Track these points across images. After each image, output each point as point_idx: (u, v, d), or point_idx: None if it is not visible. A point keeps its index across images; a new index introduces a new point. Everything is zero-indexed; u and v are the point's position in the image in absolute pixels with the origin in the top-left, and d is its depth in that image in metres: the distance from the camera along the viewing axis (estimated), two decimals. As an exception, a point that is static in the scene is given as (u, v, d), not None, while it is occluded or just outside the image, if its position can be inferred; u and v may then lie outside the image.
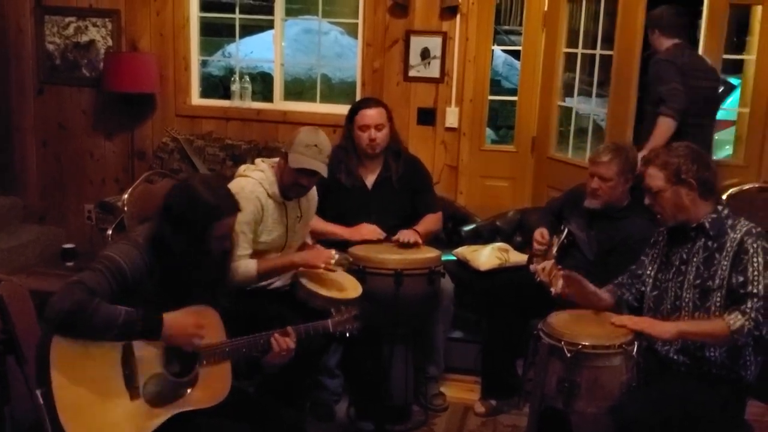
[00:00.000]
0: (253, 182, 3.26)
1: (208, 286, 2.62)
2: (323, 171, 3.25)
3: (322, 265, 3.24)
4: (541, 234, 3.78)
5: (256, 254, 3.29)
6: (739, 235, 2.73)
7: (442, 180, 5.04)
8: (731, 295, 2.70)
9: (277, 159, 3.40)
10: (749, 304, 2.62)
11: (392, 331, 3.56)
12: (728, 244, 2.74)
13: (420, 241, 3.69)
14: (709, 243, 2.79)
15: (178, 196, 2.58)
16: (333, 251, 3.31)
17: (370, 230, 3.77)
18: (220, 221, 2.54)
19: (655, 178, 2.80)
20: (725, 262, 2.73)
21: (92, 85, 5.46)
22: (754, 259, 2.67)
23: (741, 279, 2.67)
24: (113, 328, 2.35)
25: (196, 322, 2.49)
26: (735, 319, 2.62)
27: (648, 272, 3.02)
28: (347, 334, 2.86)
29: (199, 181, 2.62)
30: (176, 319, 2.46)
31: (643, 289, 3.04)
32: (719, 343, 2.71)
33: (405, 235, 3.68)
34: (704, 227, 2.79)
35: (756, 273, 2.65)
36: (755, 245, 2.68)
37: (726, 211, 2.82)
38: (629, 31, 4.32)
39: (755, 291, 2.63)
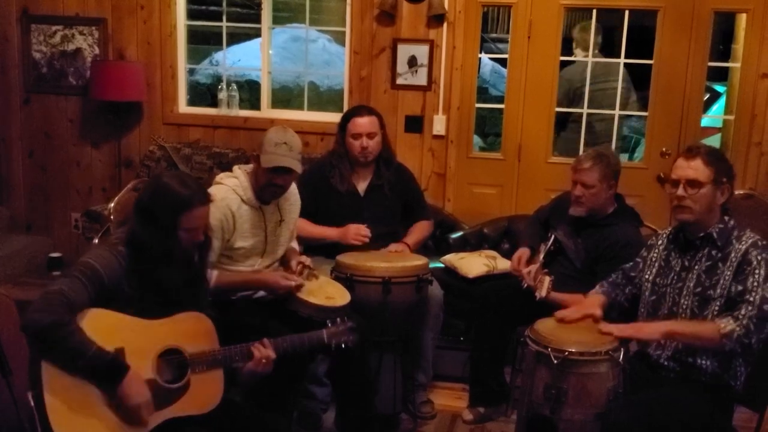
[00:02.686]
0: (225, 189, 3.25)
1: (186, 286, 2.61)
2: (297, 167, 3.23)
3: (284, 285, 3.22)
4: (518, 259, 3.77)
5: (237, 259, 3.28)
6: (744, 247, 2.74)
7: (430, 187, 5.04)
8: (728, 303, 2.71)
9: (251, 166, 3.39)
10: (743, 311, 2.63)
11: (380, 339, 3.56)
12: (732, 255, 2.75)
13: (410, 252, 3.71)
14: (714, 252, 2.79)
15: (147, 192, 2.61)
16: (298, 278, 3.26)
17: (357, 229, 3.77)
18: (187, 212, 2.52)
19: (701, 171, 2.76)
20: (728, 272, 2.74)
21: (79, 94, 5.44)
22: (756, 271, 2.68)
23: (740, 288, 2.68)
24: (81, 358, 2.33)
25: (141, 403, 2.40)
26: (726, 324, 2.63)
27: (646, 276, 3.02)
28: (343, 346, 2.86)
29: (169, 174, 2.63)
30: (138, 384, 2.40)
31: (635, 291, 3.05)
32: (707, 345, 2.71)
33: (394, 248, 3.72)
34: (712, 237, 2.80)
35: (756, 284, 2.66)
36: (759, 257, 2.69)
37: (732, 222, 2.83)
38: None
39: (751, 299, 2.64)
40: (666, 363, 2.83)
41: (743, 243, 2.76)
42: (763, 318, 2.63)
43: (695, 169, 2.78)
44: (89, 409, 2.38)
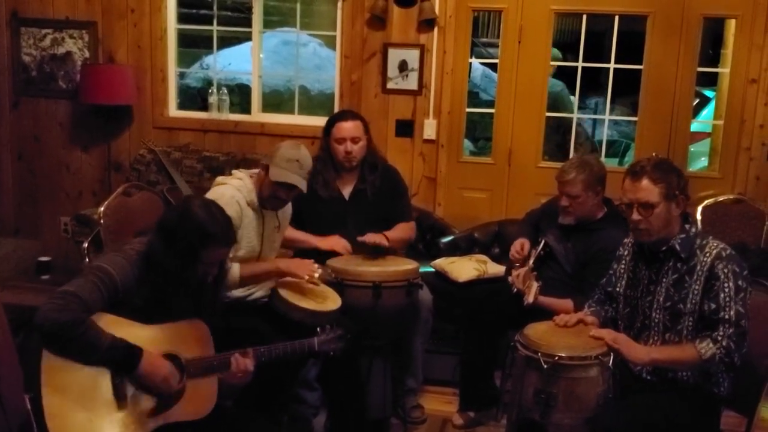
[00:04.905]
0: (232, 188, 3.27)
1: (195, 306, 2.60)
2: (303, 186, 3.26)
3: (306, 276, 3.25)
4: (521, 245, 3.79)
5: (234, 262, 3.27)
6: (709, 259, 2.70)
7: (421, 192, 5.05)
8: (702, 321, 2.69)
9: (255, 170, 3.40)
10: (721, 331, 2.62)
11: (371, 344, 3.55)
12: (698, 268, 2.72)
13: (386, 242, 3.70)
14: (679, 265, 2.77)
15: (175, 214, 2.58)
16: (316, 264, 3.31)
17: (339, 243, 3.76)
18: (209, 248, 2.51)
19: (651, 192, 2.71)
20: (696, 287, 2.71)
21: (69, 97, 5.43)
22: (726, 285, 2.65)
23: (713, 306, 2.66)
24: (97, 352, 2.35)
25: (168, 374, 2.46)
26: (707, 348, 2.62)
27: (617, 289, 3.02)
28: (331, 353, 2.86)
29: (200, 203, 2.60)
30: (153, 364, 2.43)
31: (617, 306, 3.05)
32: (691, 369, 2.72)
33: (371, 236, 3.69)
34: (675, 249, 2.77)
35: (728, 299, 2.64)
36: (726, 270, 2.66)
37: (694, 230, 2.80)
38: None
39: (726, 317, 2.62)
40: (648, 377, 2.82)
41: (707, 255, 2.71)
42: (742, 334, 2.63)
43: (644, 190, 2.72)
44: (88, 413, 2.37)
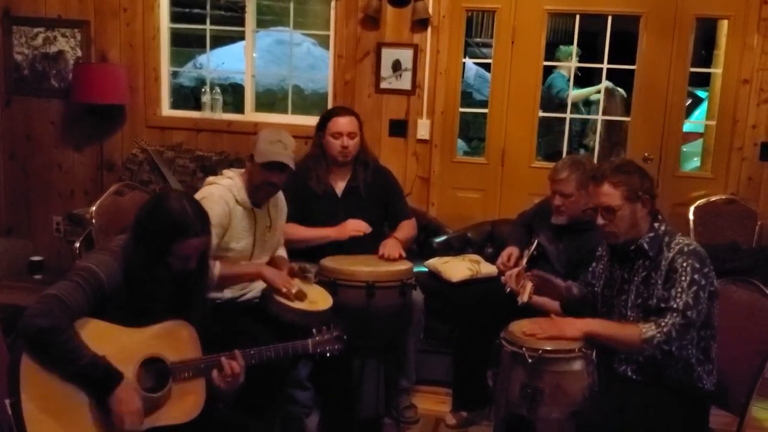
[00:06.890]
0: (222, 188, 3.25)
1: (175, 305, 2.57)
2: (291, 165, 3.24)
3: (283, 290, 3.21)
4: (507, 255, 3.80)
5: (225, 262, 3.26)
6: (671, 254, 2.73)
7: (414, 191, 5.05)
8: (652, 308, 2.72)
9: (244, 169, 3.39)
10: (667, 318, 2.64)
11: (364, 344, 3.55)
12: (663, 263, 2.74)
13: (404, 254, 3.71)
14: (647, 263, 2.79)
15: (147, 206, 2.56)
16: (296, 279, 3.29)
17: (354, 224, 3.77)
18: (180, 241, 2.47)
19: (612, 196, 2.77)
20: (660, 281, 2.74)
21: (61, 97, 5.41)
22: (682, 278, 2.67)
23: (665, 295, 2.68)
24: (76, 364, 2.32)
25: (135, 412, 2.39)
26: (648, 329, 2.65)
27: (596, 289, 3.04)
28: (328, 355, 2.83)
29: (173, 195, 2.57)
30: (129, 394, 2.39)
31: (596, 305, 3.07)
32: (627, 348, 2.74)
33: (388, 249, 3.69)
34: (643, 248, 2.79)
35: (680, 290, 2.66)
36: (685, 264, 2.68)
37: (663, 228, 2.82)
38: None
39: (674, 306, 2.64)
40: (633, 376, 2.82)
41: (671, 250, 2.74)
42: (687, 324, 2.65)
43: (605, 194, 2.78)
44: (68, 419, 2.35)
